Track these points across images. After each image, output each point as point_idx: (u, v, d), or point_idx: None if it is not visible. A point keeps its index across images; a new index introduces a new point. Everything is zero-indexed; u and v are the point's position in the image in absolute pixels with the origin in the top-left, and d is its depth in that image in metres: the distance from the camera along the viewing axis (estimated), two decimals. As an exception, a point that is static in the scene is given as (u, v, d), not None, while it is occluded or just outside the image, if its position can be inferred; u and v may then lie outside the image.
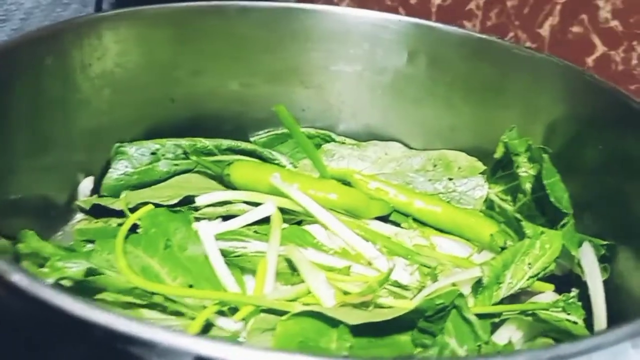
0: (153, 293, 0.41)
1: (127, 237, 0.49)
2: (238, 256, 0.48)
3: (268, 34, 0.63)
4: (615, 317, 0.47)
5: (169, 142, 0.62)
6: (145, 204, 0.53)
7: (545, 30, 0.74)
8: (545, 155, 0.51)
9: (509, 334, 0.45)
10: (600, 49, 0.70)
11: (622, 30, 0.68)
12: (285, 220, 0.54)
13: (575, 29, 0.71)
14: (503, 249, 0.54)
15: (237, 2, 0.61)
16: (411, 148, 0.67)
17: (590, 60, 0.71)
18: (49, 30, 0.53)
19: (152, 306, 0.43)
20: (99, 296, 0.44)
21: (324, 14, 0.64)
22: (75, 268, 0.41)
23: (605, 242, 0.51)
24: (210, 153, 0.64)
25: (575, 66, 0.56)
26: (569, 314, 0.47)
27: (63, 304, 0.23)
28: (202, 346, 0.23)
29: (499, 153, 0.58)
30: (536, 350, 0.27)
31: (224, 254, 0.48)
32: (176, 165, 0.62)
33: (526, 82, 0.59)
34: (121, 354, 0.22)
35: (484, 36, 0.61)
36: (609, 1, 0.68)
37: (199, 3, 0.60)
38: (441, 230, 0.59)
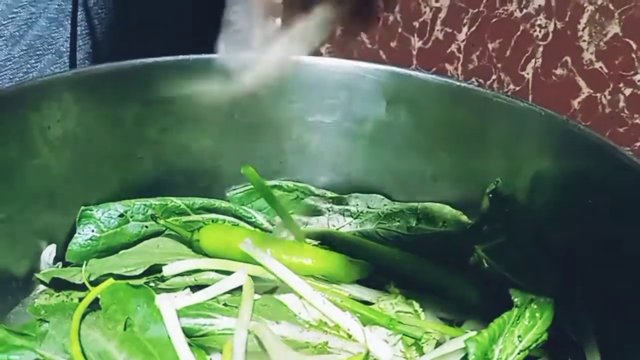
0: (107, 386, 0.38)
1: (87, 313, 0.45)
2: (204, 335, 0.44)
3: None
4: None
5: (138, 202, 0.59)
6: (109, 275, 0.50)
7: (528, 73, 0.72)
8: (530, 214, 0.48)
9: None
10: (586, 91, 0.68)
11: (607, 72, 0.66)
12: (259, 288, 0.51)
13: (559, 71, 0.69)
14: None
15: (203, 57, 0.58)
16: (394, 200, 0.64)
17: (576, 103, 0.69)
18: (2, 94, 0.50)
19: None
20: (51, 386, 0.40)
21: (297, 65, 0.61)
22: (19, 361, 0.38)
23: (600, 306, 0.47)
24: (182, 213, 0.61)
25: (558, 115, 0.53)
26: (566, 386, 0.44)
27: None
28: None
29: (484, 207, 0.55)
30: None
31: (189, 332, 0.44)
32: (146, 227, 0.59)
33: (509, 131, 0.57)
34: None
35: (463, 84, 0.59)
36: (592, 43, 0.66)
37: (163, 59, 0.57)
38: (427, 290, 0.55)
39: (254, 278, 0.49)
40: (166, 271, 0.50)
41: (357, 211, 0.63)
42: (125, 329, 0.43)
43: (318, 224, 0.62)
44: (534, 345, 0.43)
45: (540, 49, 0.70)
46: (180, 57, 0.58)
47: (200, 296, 0.47)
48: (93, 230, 0.57)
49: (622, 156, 0.48)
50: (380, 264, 0.56)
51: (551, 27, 0.68)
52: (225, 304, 0.47)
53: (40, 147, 0.53)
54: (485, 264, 0.56)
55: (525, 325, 0.43)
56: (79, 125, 0.55)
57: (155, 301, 0.45)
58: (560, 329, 0.49)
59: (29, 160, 0.52)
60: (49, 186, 0.55)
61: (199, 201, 0.61)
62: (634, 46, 0.63)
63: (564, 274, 0.49)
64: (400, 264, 0.56)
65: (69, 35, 0.79)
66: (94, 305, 0.47)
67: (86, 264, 0.54)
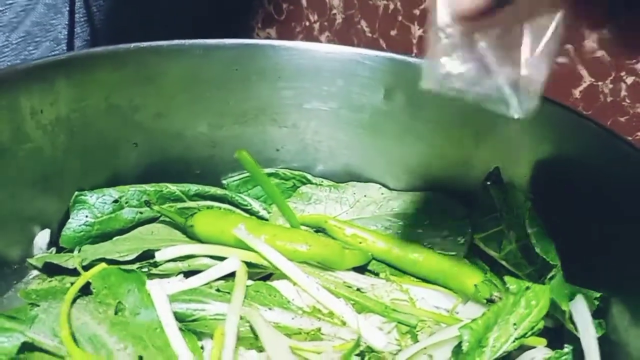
0: (96, 370, 0.37)
1: (78, 298, 0.45)
2: (195, 320, 0.43)
3: (235, 73, 0.60)
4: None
5: (133, 189, 0.59)
6: (102, 260, 0.50)
7: (529, 62, 0.71)
8: (528, 202, 0.47)
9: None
10: (588, 80, 0.67)
11: (609, 61, 0.65)
12: (253, 274, 0.50)
13: (561, 59, 0.68)
14: (489, 300, 0.50)
15: (200, 41, 0.57)
16: (391, 189, 0.63)
17: (577, 92, 0.68)
18: (-7, 76, 0.49)
19: (97, 382, 0.39)
20: (40, 369, 0.40)
21: (293, 51, 0.61)
22: (7, 343, 0.37)
23: (599, 294, 0.47)
24: (177, 199, 0.60)
25: (559, 102, 0.52)
26: (562, 374, 0.43)
27: None
28: None
29: (482, 196, 0.54)
30: None
31: (181, 317, 0.44)
32: (140, 213, 0.58)
33: (508, 119, 0.56)
34: None
35: (462, 71, 0.58)
36: (594, 31, 0.65)
37: (158, 43, 0.56)
38: (423, 279, 0.55)
39: (247, 264, 0.49)
40: (159, 256, 0.49)
41: (354, 200, 0.62)
42: (116, 313, 0.43)
43: (315, 211, 0.61)
44: (529, 333, 0.43)
45: (542, 37, 0.69)
46: (176, 41, 0.58)
47: (193, 282, 0.46)
48: (87, 216, 0.56)
49: (622, 144, 0.47)
50: (376, 252, 0.56)
51: (553, 15, 0.67)
52: (217, 290, 0.46)
53: (32, 131, 0.52)
54: (483, 253, 0.56)
55: (520, 313, 0.42)
56: (72, 110, 0.54)
57: (146, 286, 0.44)
58: (557, 317, 0.48)
59: (21, 144, 0.52)
60: (42, 171, 0.54)
61: (194, 188, 0.60)
62: (637, 34, 0.62)
63: (561, 262, 0.48)
64: (396, 253, 0.55)
65: (67, 22, 0.79)
66: (86, 290, 0.46)
67: (79, 250, 0.54)
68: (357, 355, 0.42)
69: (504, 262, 0.53)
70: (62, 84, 0.52)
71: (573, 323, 0.46)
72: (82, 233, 0.56)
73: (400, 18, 0.82)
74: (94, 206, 0.57)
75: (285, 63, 0.61)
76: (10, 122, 0.50)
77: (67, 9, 0.78)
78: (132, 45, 0.56)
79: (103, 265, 0.47)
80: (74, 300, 0.44)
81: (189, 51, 0.58)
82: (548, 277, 0.46)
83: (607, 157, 0.48)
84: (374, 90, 0.61)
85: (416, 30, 0.81)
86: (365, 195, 0.62)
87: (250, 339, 0.43)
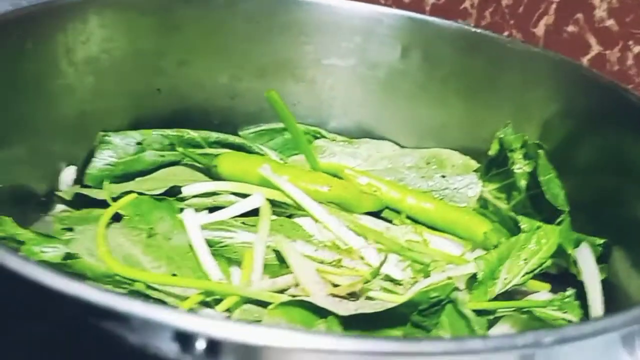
0: (134, 280, 0.39)
1: (110, 224, 0.47)
2: (224, 246, 0.46)
3: (257, 26, 0.62)
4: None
5: (156, 133, 0.60)
6: (130, 192, 0.51)
7: (540, 30, 0.73)
8: (540, 152, 0.50)
9: (503, 332, 0.44)
10: (596, 48, 0.69)
11: (617, 30, 0.67)
12: (274, 214, 0.52)
13: (571, 28, 0.70)
14: (497, 247, 0.53)
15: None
16: (403, 147, 0.65)
17: (585, 60, 0.70)
18: (29, 11, 0.51)
19: (133, 295, 0.41)
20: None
21: (315, 6, 0.62)
22: (52, 252, 0.39)
23: (602, 241, 0.49)
24: (197, 145, 0.62)
25: (570, 60, 0.55)
26: (565, 312, 0.46)
27: (30, 273, 0.21)
28: (181, 320, 0.21)
29: (493, 150, 0.57)
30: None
31: (210, 244, 0.46)
32: (162, 156, 0.60)
33: (520, 77, 0.58)
34: (94, 330, 0.20)
35: (478, 30, 0.60)
36: (604, 0, 0.67)
37: (186, -8, 0.58)
38: (433, 228, 0.57)
39: (270, 203, 0.51)
40: (186, 191, 0.51)
41: (368, 154, 0.64)
42: (148, 237, 0.45)
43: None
44: (537, 269, 0.45)
45: (553, 5, 0.71)
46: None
47: (220, 214, 0.49)
48: (111, 156, 0.58)
49: (633, 98, 0.49)
50: (389, 201, 0.58)
51: (565, -16, 0.70)
52: (243, 223, 0.48)
53: (65, 68, 0.54)
54: (492, 205, 0.58)
55: (531, 250, 0.45)
56: (102, 50, 0.56)
57: (177, 213, 0.46)
58: (560, 264, 0.51)
59: (53, 80, 0.53)
60: (70, 109, 0.56)
61: (214, 135, 0.62)
62: (645, 4, 0.64)
63: (570, 216, 0.50)
64: (409, 202, 0.58)
65: None
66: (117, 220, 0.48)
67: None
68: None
69: (512, 214, 0.56)
70: (94, 24, 0.54)
71: (577, 268, 0.49)
72: (106, 172, 0.58)
73: (414, -14, 0.84)
74: (118, 147, 0.59)
75: (306, 18, 0.63)
76: (45, 58, 0.52)
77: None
78: (162, -8, 0.57)
79: (134, 195, 0.49)
80: (107, 226, 0.46)
81: (213, 2, 0.60)
82: (556, 222, 0.48)
83: (616, 112, 0.51)
84: (391, 48, 0.63)
85: (429, -2, 0.83)
86: (377, 151, 0.64)
87: (275, 267, 0.45)
